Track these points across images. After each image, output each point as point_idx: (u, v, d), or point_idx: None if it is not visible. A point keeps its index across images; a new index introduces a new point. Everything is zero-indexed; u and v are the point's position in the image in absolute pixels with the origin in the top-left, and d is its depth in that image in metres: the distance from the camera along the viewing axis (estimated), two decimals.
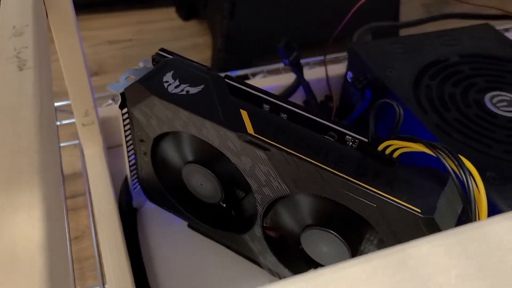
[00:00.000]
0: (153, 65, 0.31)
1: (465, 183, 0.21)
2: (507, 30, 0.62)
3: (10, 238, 0.13)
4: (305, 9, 0.75)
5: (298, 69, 0.44)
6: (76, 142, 0.44)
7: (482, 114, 0.35)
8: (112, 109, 0.44)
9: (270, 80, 0.50)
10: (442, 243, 0.13)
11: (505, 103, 0.36)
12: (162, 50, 0.31)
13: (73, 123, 0.41)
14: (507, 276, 0.13)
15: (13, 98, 0.18)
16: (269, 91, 0.46)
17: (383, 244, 0.27)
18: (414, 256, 0.13)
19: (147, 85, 0.28)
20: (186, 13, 0.92)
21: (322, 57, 0.59)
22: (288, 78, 0.48)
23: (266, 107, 0.28)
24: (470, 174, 0.21)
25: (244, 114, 0.26)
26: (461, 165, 0.21)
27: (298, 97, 0.47)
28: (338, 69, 0.48)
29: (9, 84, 0.18)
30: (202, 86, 0.28)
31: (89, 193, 0.38)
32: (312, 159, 0.24)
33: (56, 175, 0.18)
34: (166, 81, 0.28)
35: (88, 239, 0.55)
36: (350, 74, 0.43)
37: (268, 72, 0.57)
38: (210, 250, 0.35)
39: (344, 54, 0.58)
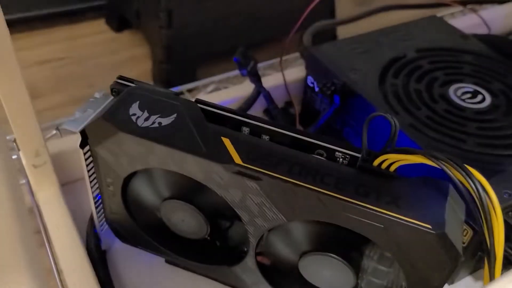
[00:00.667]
0: (113, 95, 0.28)
1: (477, 195, 0.20)
2: (452, 15, 0.64)
3: None
4: (244, 12, 0.73)
5: (256, 79, 0.43)
6: (22, 182, 0.40)
7: (450, 109, 0.35)
8: (60, 143, 0.40)
9: (226, 93, 0.47)
10: None
11: (469, 95, 0.37)
12: (121, 77, 0.28)
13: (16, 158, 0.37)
14: None
15: None
16: (227, 104, 0.43)
17: (383, 259, 0.26)
18: None
19: (113, 120, 0.25)
20: (118, 24, 0.87)
21: (271, 61, 0.57)
22: (244, 88, 0.46)
23: (246, 130, 0.26)
24: (482, 185, 0.20)
25: (227, 142, 0.24)
26: (470, 176, 0.20)
27: (258, 106, 0.45)
28: (294, 73, 0.47)
29: None
30: (175, 115, 0.25)
31: (47, 236, 0.34)
32: (310, 184, 0.23)
33: (35, 253, 0.15)
34: (134, 114, 0.25)
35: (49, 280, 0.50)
36: (310, 79, 0.42)
37: (219, 82, 0.55)
38: (192, 284, 0.33)
39: (294, 55, 0.57)
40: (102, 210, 0.32)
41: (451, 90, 0.37)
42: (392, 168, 0.23)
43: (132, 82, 0.28)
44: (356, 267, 0.25)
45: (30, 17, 0.86)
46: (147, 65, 0.79)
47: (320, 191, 0.22)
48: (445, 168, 0.21)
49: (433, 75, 0.38)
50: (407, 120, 0.34)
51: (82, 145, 0.27)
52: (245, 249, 0.28)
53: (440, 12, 0.67)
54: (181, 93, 0.28)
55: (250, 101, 0.43)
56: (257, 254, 0.27)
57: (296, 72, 0.47)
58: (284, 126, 0.26)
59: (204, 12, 0.70)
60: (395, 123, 0.23)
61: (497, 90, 0.37)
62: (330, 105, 0.37)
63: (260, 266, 0.28)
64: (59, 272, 0.32)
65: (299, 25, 0.46)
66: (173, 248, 0.30)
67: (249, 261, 0.28)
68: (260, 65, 0.56)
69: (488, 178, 0.30)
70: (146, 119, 0.25)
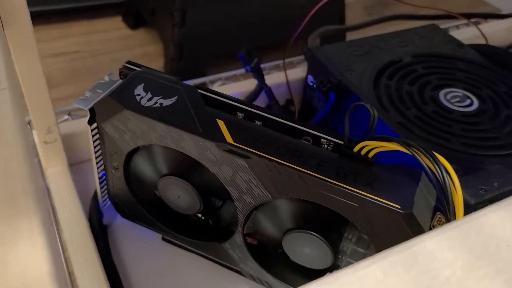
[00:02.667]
0: (121, 78, 0.31)
1: (441, 179, 0.22)
2: (457, 27, 0.66)
3: (19, 270, 0.12)
4: (255, 15, 0.75)
5: (259, 75, 0.45)
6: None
7: (438, 110, 0.37)
8: (71, 125, 0.43)
9: (231, 87, 0.50)
10: (444, 237, 0.14)
11: (458, 99, 0.39)
12: (129, 62, 0.31)
13: None
14: (505, 263, 0.14)
15: None
16: None
17: (361, 242, 0.28)
18: (422, 252, 0.13)
19: (119, 99, 0.27)
20: (134, 22, 0.90)
21: (276, 62, 0.60)
22: (249, 84, 0.49)
23: (240, 115, 0.29)
24: (446, 170, 0.22)
25: (221, 123, 0.27)
26: (437, 162, 0.22)
27: (260, 103, 0.48)
28: (296, 73, 0.49)
29: None
30: (176, 97, 0.28)
31: (53, 212, 0.37)
32: (294, 164, 0.25)
33: (45, 200, 0.17)
34: (138, 94, 0.28)
35: None
36: (310, 78, 0.44)
37: (226, 79, 0.57)
38: (186, 261, 0.35)
39: (299, 58, 0.59)
40: (105, 187, 0.34)
41: (442, 93, 0.39)
42: (371, 154, 0.26)
43: (139, 67, 0.31)
44: (335, 247, 0.27)
45: (48, 11, 0.89)
46: (159, 62, 0.82)
47: (302, 171, 0.25)
48: (415, 154, 0.23)
49: (426, 79, 0.40)
50: (396, 118, 0.36)
51: (90, 122, 0.30)
52: (234, 228, 0.30)
53: (446, 24, 0.69)
54: (180, 78, 0.30)
55: (252, 96, 0.46)
56: (245, 234, 0.30)
57: (298, 72, 0.49)
58: (275, 114, 0.28)
59: (216, 13, 0.73)
60: (373, 112, 0.25)
61: (486, 96, 0.39)
62: (325, 102, 0.39)
63: (248, 244, 0.30)
64: (62, 242, 0.34)
65: (303, 29, 0.49)
66: (169, 224, 0.33)
67: (237, 237, 0.30)
68: (266, 65, 0.59)
69: (468, 175, 0.32)
70: (149, 100, 0.28)
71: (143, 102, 0.27)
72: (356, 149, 0.26)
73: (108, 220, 0.37)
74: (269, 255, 0.30)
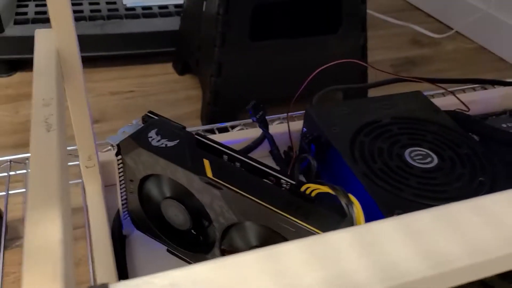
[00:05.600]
0: (143, 123, 0.41)
1: (349, 210, 0.30)
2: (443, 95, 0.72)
3: (42, 236, 0.22)
4: (282, 70, 0.86)
5: (264, 125, 0.54)
6: (79, 181, 0.54)
7: (401, 165, 0.45)
8: (110, 154, 0.54)
9: (244, 133, 0.59)
10: (302, 245, 0.22)
11: (420, 157, 0.46)
12: (150, 112, 0.41)
13: (77, 165, 0.51)
14: (338, 267, 0.22)
15: (43, 152, 0.27)
16: (241, 141, 0.55)
17: None
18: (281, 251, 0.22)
19: (137, 140, 0.38)
20: (181, 69, 1.03)
21: (283, 114, 0.69)
22: (260, 131, 0.58)
23: (225, 157, 0.38)
24: (353, 204, 0.30)
25: (206, 162, 0.36)
26: (348, 200, 0.30)
27: (264, 147, 0.57)
28: (299, 124, 0.58)
29: (40, 141, 0.28)
30: (178, 141, 0.38)
31: (88, 224, 0.47)
32: (252, 197, 0.34)
33: (68, 205, 0.27)
34: (151, 137, 0.38)
35: (84, 266, 0.63)
36: (305, 130, 0.53)
37: (245, 125, 0.67)
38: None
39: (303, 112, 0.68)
40: (126, 204, 0.44)
41: (408, 151, 0.46)
42: (313, 194, 0.34)
43: (157, 116, 0.41)
44: None
45: (111, 56, 1.04)
46: (198, 105, 0.94)
47: (258, 202, 0.33)
48: (338, 195, 0.31)
49: (398, 138, 0.48)
50: (362, 169, 0.44)
51: (117, 154, 0.40)
52: (215, 244, 0.39)
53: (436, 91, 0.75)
54: (184, 127, 0.40)
55: (256, 142, 0.55)
56: (221, 248, 0.38)
57: (300, 124, 0.58)
58: (251, 158, 0.37)
59: (249, 66, 0.84)
60: (313, 163, 0.33)
61: (447, 156, 0.46)
62: (309, 152, 0.48)
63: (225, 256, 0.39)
64: (91, 244, 0.44)
65: (304, 88, 0.58)
66: (170, 237, 0.42)
67: (216, 251, 0.38)
68: (276, 116, 0.68)
69: None
70: (158, 141, 0.38)
71: (153, 142, 0.37)
72: (302, 189, 0.34)
73: (127, 231, 0.47)
74: None
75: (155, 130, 0.39)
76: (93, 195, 0.47)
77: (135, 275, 0.44)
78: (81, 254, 0.64)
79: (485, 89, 0.75)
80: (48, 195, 0.24)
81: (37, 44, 0.38)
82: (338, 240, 0.23)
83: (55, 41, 0.38)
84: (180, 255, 0.44)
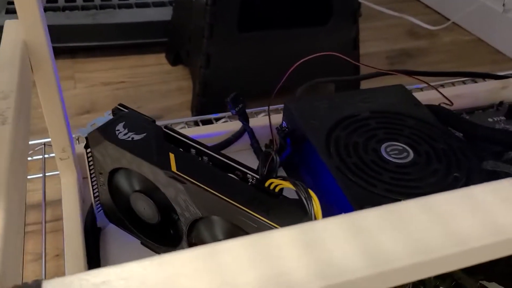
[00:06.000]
0: (113, 115, 0.41)
1: (308, 205, 0.30)
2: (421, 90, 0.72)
3: None
4: (271, 62, 0.85)
5: (244, 118, 0.54)
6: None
7: (376, 160, 0.44)
8: None
9: (225, 126, 0.59)
10: (243, 243, 0.22)
11: (396, 151, 0.45)
12: (121, 104, 0.41)
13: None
14: (277, 265, 0.21)
15: None
16: (222, 134, 0.55)
17: None
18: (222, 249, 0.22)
19: (103, 133, 0.37)
20: (173, 59, 1.03)
21: (275, 106, 0.69)
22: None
23: (193, 151, 0.38)
24: (311, 199, 0.30)
25: (172, 156, 0.36)
26: (307, 194, 0.30)
27: (247, 141, 0.56)
28: (280, 117, 0.58)
29: None
30: (145, 134, 0.37)
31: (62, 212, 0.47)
32: (215, 191, 0.33)
33: (18, 200, 0.27)
34: (118, 130, 0.38)
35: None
36: (284, 123, 0.52)
37: (229, 117, 0.67)
38: None
39: None
40: (98, 197, 0.44)
41: (384, 146, 0.46)
42: (277, 189, 0.34)
43: (127, 109, 0.41)
44: None
45: (104, 46, 1.04)
46: (189, 96, 0.93)
47: (219, 196, 0.33)
48: (297, 190, 0.31)
49: (375, 132, 0.48)
50: (336, 164, 0.44)
51: (86, 147, 0.40)
52: (182, 237, 0.38)
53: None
54: (154, 120, 0.40)
55: (236, 135, 0.55)
56: (189, 242, 0.38)
57: (281, 117, 0.58)
58: (218, 153, 0.37)
59: (238, 57, 0.83)
60: (276, 158, 0.33)
61: (423, 151, 0.46)
62: (285, 146, 0.48)
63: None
64: (64, 236, 0.45)
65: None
66: (140, 230, 0.42)
67: (184, 244, 0.38)
68: (262, 108, 0.68)
69: None
70: (125, 134, 0.37)
71: (120, 136, 0.37)
72: (266, 184, 0.34)
73: (102, 223, 0.47)
74: None
75: (123, 123, 0.38)
76: (67, 187, 0.47)
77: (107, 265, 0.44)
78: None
79: (475, 82, 0.74)
80: None
81: (4, 35, 0.38)
82: (280, 238, 0.23)
83: (21, 32, 0.38)
84: (153, 248, 0.43)
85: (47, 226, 0.58)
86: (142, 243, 0.45)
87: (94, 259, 0.43)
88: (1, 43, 0.37)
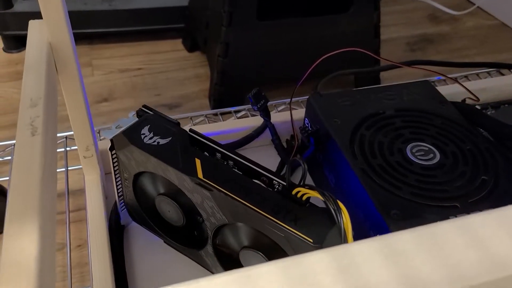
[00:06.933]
0: (138, 117, 0.41)
1: (337, 217, 0.29)
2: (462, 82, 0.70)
3: (18, 251, 0.22)
4: (291, 50, 0.84)
5: (265, 114, 0.53)
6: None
7: (401, 161, 0.44)
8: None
9: (246, 121, 0.58)
10: (278, 266, 0.22)
11: (422, 152, 0.45)
12: (145, 106, 0.41)
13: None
14: None
15: (25, 159, 0.27)
16: (243, 130, 0.55)
17: None
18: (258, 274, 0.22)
19: (129, 137, 0.37)
20: (190, 46, 1.02)
21: (296, 98, 0.68)
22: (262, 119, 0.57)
23: (218, 155, 0.37)
24: (341, 211, 0.29)
25: (198, 162, 0.36)
26: (337, 205, 0.30)
27: (268, 136, 0.56)
28: (302, 112, 0.57)
29: (23, 147, 0.28)
30: (170, 138, 0.37)
31: (86, 208, 0.48)
32: (242, 199, 0.33)
33: (52, 215, 0.27)
34: (143, 133, 0.38)
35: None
36: (306, 120, 0.52)
37: (249, 110, 0.66)
38: (178, 260, 0.44)
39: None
40: (122, 195, 0.44)
41: (409, 146, 0.45)
42: (304, 198, 0.33)
43: (152, 111, 0.40)
44: None
45: (121, 32, 1.03)
46: (207, 84, 0.93)
47: (246, 205, 0.33)
48: (325, 200, 0.31)
49: (400, 132, 0.47)
50: (361, 165, 0.43)
51: (110, 149, 0.40)
52: (207, 241, 0.39)
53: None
54: (178, 123, 0.39)
55: (258, 131, 0.54)
56: (214, 246, 0.38)
57: (303, 112, 0.57)
58: (244, 157, 0.37)
59: (257, 46, 0.82)
60: (304, 166, 0.32)
61: (449, 152, 0.45)
62: (309, 144, 0.47)
63: (217, 254, 0.39)
64: (88, 235, 0.45)
65: (311, 70, 0.56)
66: (164, 231, 0.42)
67: (209, 248, 0.38)
68: (281, 101, 0.67)
69: (405, 220, 0.38)
70: (150, 138, 0.37)
71: (145, 140, 0.37)
72: (293, 192, 0.33)
73: (125, 221, 0.47)
74: (233, 263, 0.39)
75: (148, 126, 0.38)
76: (91, 185, 0.47)
77: (132, 265, 0.44)
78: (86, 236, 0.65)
79: (502, 74, 0.73)
80: (26, 208, 0.24)
81: (29, 36, 0.38)
82: (315, 262, 0.23)
83: (46, 33, 0.37)
84: (176, 247, 0.44)
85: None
86: (165, 242, 0.45)
87: (118, 255, 0.43)
88: (27, 44, 0.37)
